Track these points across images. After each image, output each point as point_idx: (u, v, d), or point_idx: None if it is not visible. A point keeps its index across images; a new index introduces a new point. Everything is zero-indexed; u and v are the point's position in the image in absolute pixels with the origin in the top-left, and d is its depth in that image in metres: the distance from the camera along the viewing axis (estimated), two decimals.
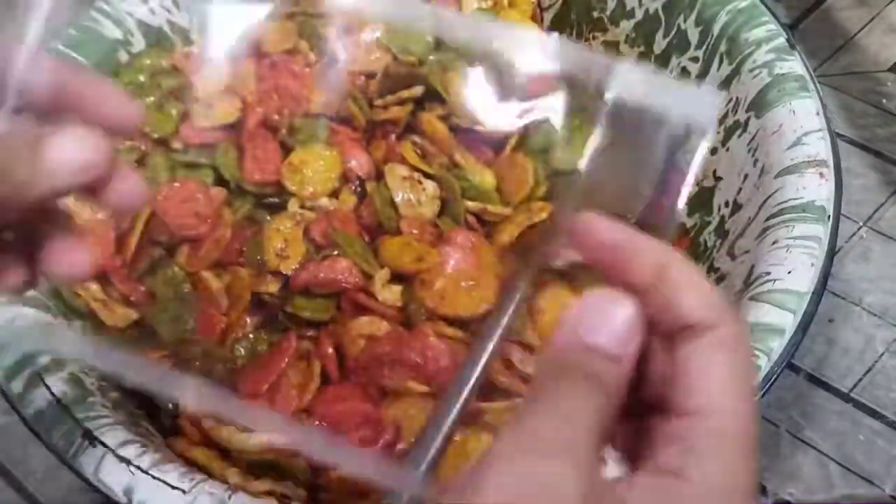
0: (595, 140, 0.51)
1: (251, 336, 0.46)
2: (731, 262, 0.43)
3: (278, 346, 0.45)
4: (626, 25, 0.54)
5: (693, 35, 0.49)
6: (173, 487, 0.35)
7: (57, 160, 0.22)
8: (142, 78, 0.53)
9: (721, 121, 0.46)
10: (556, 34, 0.28)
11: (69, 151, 0.22)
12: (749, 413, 0.19)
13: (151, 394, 0.36)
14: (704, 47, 0.48)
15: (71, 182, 0.23)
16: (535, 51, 0.28)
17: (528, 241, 0.49)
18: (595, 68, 0.27)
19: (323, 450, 0.22)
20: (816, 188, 0.41)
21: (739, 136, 0.45)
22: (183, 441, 0.42)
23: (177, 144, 0.51)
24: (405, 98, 0.52)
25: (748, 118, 0.44)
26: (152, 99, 0.52)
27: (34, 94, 0.23)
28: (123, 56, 0.54)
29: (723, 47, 0.47)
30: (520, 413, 0.19)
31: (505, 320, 0.43)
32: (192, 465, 0.40)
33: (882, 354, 0.51)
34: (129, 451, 0.36)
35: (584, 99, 0.55)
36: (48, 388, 0.38)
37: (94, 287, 0.46)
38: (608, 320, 0.21)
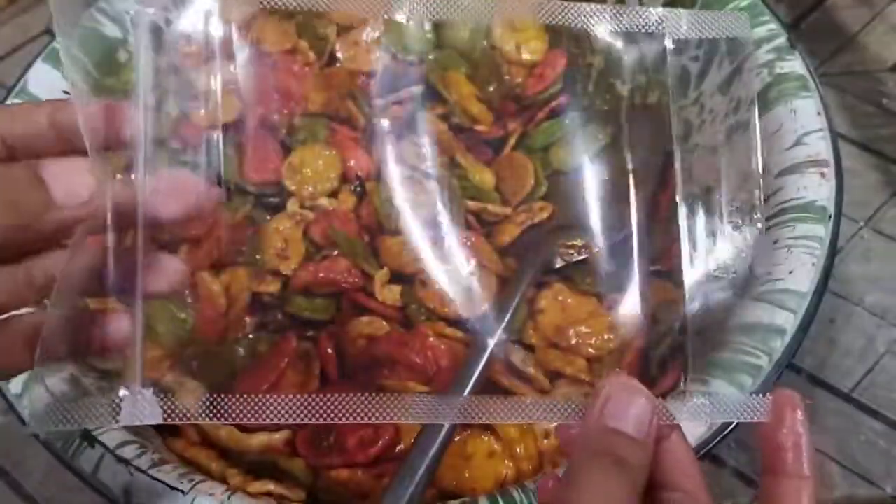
0: (597, 140, 0.51)
1: (251, 336, 0.46)
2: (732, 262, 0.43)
3: (278, 346, 0.45)
4: None
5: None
6: (172, 488, 0.35)
7: (63, 190, 0.23)
8: None
9: (722, 120, 0.46)
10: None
11: (73, 184, 0.24)
12: None
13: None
14: (705, 47, 0.48)
15: (78, 213, 0.24)
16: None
17: (528, 241, 0.48)
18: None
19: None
20: (817, 188, 0.40)
21: (740, 135, 0.45)
22: (182, 441, 0.42)
23: (175, 144, 0.51)
24: (404, 97, 0.52)
25: (749, 118, 0.44)
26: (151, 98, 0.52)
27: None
28: (123, 55, 0.54)
29: (723, 47, 0.47)
30: (562, 492, 0.23)
31: (505, 320, 0.43)
32: (191, 465, 0.40)
33: (883, 355, 0.51)
34: (128, 452, 0.36)
35: (584, 98, 0.55)
36: (47, 388, 0.38)
37: None
38: (630, 409, 0.24)
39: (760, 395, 0.27)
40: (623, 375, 0.26)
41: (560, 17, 0.31)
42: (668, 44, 0.32)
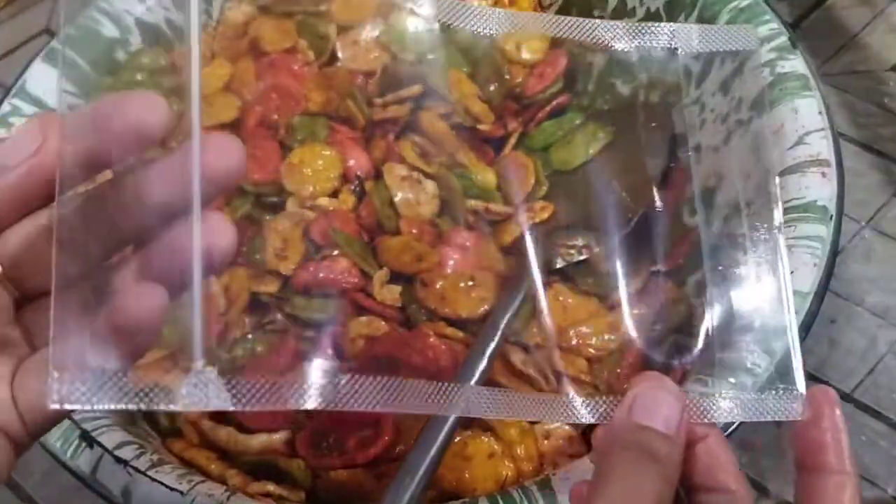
0: (597, 139, 0.51)
1: (251, 336, 0.46)
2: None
3: (278, 346, 0.45)
4: None
5: None
6: (171, 489, 0.35)
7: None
8: (140, 77, 0.53)
9: (723, 120, 0.45)
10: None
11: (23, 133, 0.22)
12: None
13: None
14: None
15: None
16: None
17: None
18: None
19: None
20: (819, 188, 0.40)
21: (741, 135, 0.44)
22: (181, 442, 0.42)
23: (174, 143, 0.51)
24: (404, 97, 0.52)
25: (750, 117, 0.44)
26: None
27: None
28: (121, 55, 0.54)
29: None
30: (591, 490, 0.23)
31: (505, 320, 0.43)
32: (190, 466, 0.40)
33: (885, 355, 0.51)
34: (127, 453, 0.36)
35: (585, 98, 0.55)
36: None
37: None
38: (658, 405, 0.24)
39: (796, 392, 0.27)
40: (653, 375, 0.26)
41: (574, 33, 0.31)
42: (681, 57, 0.33)
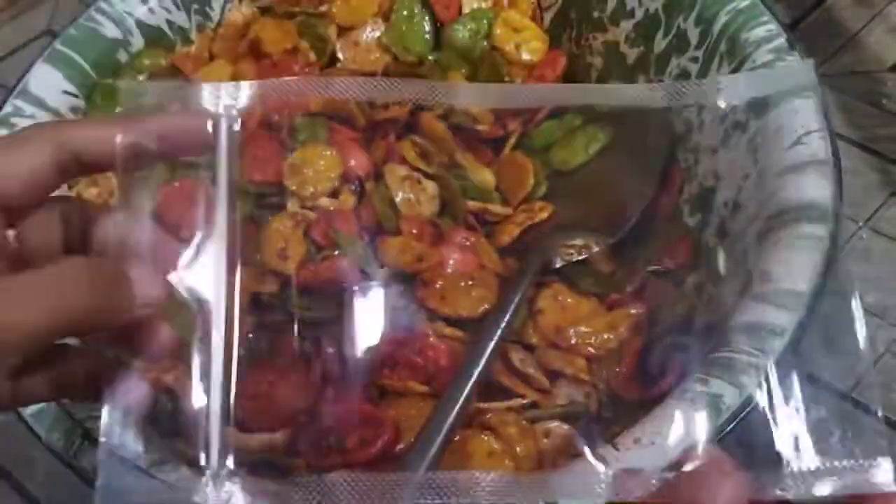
0: (597, 140, 0.51)
1: (251, 336, 0.46)
2: (732, 262, 0.43)
3: (278, 346, 0.45)
4: (626, 25, 0.54)
5: (693, 35, 0.49)
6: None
7: (144, 294, 0.26)
8: (141, 78, 0.53)
9: (721, 121, 0.46)
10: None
11: (148, 287, 0.26)
12: None
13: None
14: (704, 47, 0.48)
15: (148, 313, 0.26)
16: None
17: (528, 241, 0.49)
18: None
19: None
20: (817, 188, 0.41)
21: (740, 136, 0.45)
22: (182, 441, 0.42)
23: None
24: (405, 97, 0.52)
25: (748, 118, 0.44)
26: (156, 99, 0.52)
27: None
28: (123, 56, 0.54)
29: (723, 47, 0.47)
30: None
31: (505, 320, 0.43)
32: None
33: (883, 355, 0.51)
34: (129, 452, 0.36)
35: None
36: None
37: None
38: (723, 491, 0.24)
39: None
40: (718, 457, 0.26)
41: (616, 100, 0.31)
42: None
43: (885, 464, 0.27)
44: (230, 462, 0.26)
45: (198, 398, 0.27)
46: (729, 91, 0.32)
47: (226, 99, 0.29)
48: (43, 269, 0.23)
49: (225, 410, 0.27)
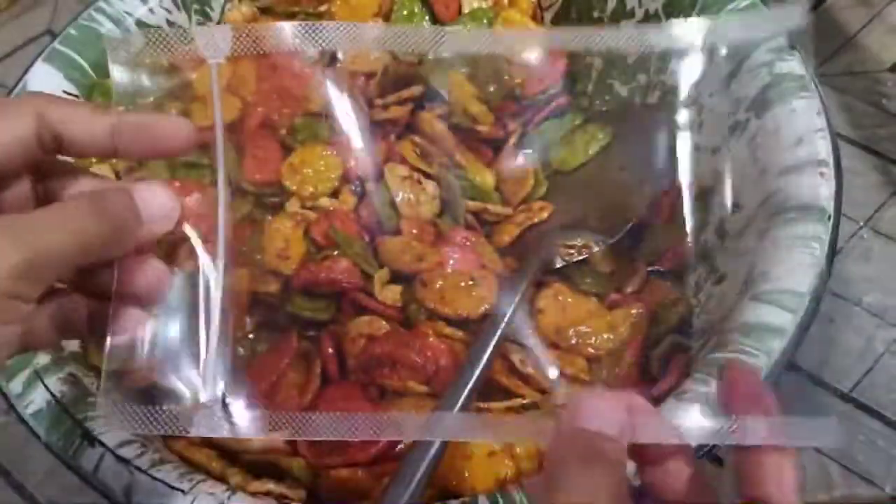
0: (597, 140, 0.51)
1: (251, 336, 0.46)
2: (732, 262, 0.43)
3: (279, 346, 0.45)
4: (626, 25, 0.54)
5: None
6: (173, 488, 0.35)
7: (156, 206, 0.27)
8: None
9: (721, 120, 0.46)
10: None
11: (160, 198, 0.27)
12: None
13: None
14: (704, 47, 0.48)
15: (164, 227, 0.27)
16: None
17: (528, 241, 0.49)
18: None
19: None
20: (817, 188, 0.41)
21: (740, 135, 0.45)
22: (182, 441, 0.42)
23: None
24: (405, 98, 0.52)
25: (748, 118, 0.44)
26: (151, 99, 0.52)
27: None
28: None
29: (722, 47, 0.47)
30: (548, 487, 0.24)
31: (505, 320, 0.43)
32: (191, 465, 0.40)
33: (882, 355, 0.51)
34: (129, 451, 0.36)
35: (584, 98, 0.55)
36: (47, 387, 0.38)
37: None
38: (600, 411, 0.25)
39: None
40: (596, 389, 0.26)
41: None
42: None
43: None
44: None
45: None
46: (718, 32, 0.32)
47: (218, 42, 0.29)
48: (55, 204, 0.26)
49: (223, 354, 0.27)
